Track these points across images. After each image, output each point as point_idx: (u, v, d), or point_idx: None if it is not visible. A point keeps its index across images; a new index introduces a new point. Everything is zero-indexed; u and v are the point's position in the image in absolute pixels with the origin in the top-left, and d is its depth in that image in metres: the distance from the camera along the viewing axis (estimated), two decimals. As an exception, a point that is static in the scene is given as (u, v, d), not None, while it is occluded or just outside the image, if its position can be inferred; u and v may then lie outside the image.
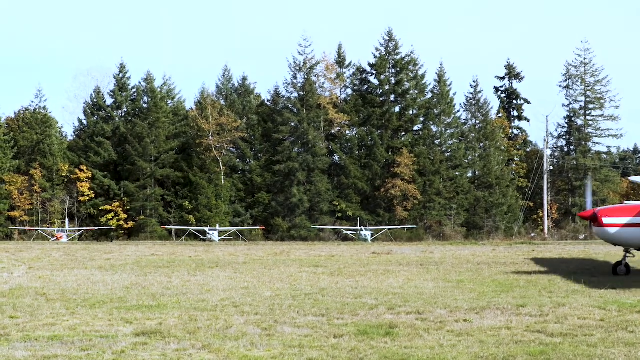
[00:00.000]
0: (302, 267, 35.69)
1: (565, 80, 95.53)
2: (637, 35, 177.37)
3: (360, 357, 14.49)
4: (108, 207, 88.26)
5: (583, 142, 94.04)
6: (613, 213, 29.87)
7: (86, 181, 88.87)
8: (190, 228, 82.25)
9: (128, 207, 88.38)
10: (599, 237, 30.60)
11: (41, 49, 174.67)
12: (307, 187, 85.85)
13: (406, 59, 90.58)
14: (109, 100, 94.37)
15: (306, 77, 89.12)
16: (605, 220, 29.40)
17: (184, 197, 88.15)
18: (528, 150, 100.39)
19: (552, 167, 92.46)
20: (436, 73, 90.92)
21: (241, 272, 33.15)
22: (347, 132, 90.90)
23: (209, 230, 79.52)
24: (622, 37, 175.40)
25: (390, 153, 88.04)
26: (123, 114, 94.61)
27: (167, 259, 42.59)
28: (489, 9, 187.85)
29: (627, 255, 30.72)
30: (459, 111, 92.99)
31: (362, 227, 78.11)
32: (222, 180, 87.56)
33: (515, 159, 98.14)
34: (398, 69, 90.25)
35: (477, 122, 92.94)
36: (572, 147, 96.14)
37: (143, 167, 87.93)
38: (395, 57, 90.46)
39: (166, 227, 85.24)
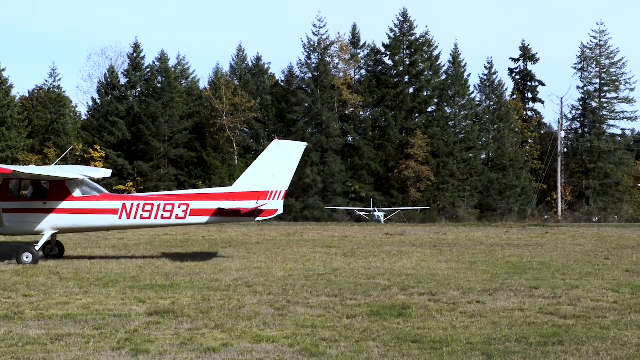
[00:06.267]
0: (315, 248, 35.70)
1: (580, 62, 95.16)
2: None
3: (372, 338, 14.50)
4: (122, 187, 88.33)
5: (597, 125, 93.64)
6: None
7: (100, 160, 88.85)
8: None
9: (142, 187, 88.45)
10: None
11: (55, 28, 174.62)
12: (320, 168, 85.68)
13: (421, 40, 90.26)
14: (123, 80, 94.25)
15: (320, 57, 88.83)
16: None
17: (197, 177, 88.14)
18: (542, 132, 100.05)
19: (566, 150, 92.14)
20: (451, 54, 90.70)
21: (254, 252, 33.18)
22: (361, 113, 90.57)
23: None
24: (638, 18, 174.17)
25: (404, 134, 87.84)
26: (137, 94, 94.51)
27: (181, 239, 42.65)
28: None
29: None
30: (473, 93, 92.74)
31: (375, 208, 77.81)
32: (236, 161, 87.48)
33: (529, 141, 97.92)
34: (412, 50, 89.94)
35: (492, 103, 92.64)
36: (586, 130, 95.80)
37: (157, 147, 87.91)
38: (410, 38, 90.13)
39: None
